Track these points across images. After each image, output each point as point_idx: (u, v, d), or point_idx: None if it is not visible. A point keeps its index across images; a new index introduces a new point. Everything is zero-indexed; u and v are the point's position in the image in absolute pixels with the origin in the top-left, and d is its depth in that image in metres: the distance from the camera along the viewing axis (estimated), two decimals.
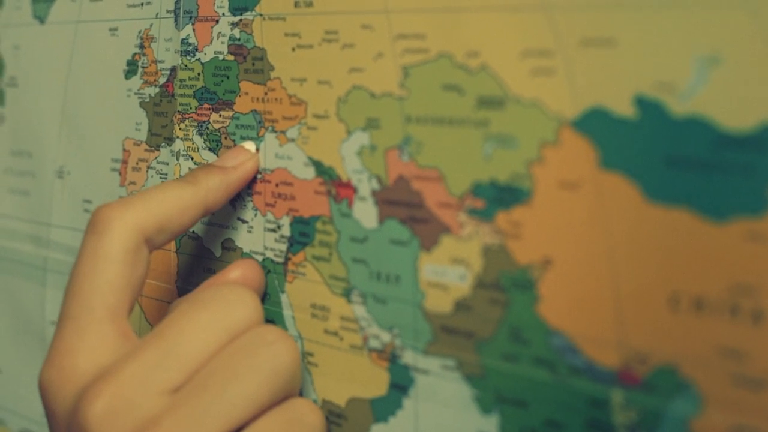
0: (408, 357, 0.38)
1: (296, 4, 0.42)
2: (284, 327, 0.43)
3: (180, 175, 0.48)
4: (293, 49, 0.42)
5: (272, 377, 0.37)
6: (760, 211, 0.29)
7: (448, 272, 0.37)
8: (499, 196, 0.35)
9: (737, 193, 0.29)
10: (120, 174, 0.53)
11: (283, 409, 0.38)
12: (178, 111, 0.48)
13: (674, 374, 0.31)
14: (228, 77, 0.45)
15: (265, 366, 0.37)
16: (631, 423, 0.32)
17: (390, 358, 0.39)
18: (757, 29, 0.29)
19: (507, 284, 0.35)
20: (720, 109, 0.30)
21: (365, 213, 0.40)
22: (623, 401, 0.32)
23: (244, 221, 0.45)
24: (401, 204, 0.38)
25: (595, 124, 0.32)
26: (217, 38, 0.46)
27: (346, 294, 0.40)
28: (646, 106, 0.31)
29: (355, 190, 0.40)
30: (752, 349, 0.29)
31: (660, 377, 0.31)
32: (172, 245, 0.49)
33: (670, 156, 0.31)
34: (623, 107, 0.32)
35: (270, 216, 0.44)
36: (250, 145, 0.44)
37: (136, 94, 0.52)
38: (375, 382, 0.40)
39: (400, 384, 0.39)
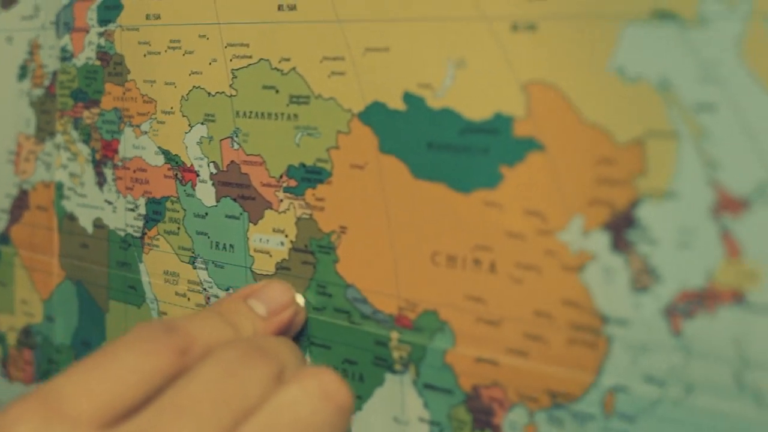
0: None
1: (147, 17, 0.47)
2: (143, 292, 0.48)
3: (61, 165, 0.53)
4: (145, 55, 0.47)
5: None
6: (494, 183, 0.34)
7: (270, 240, 0.42)
8: (307, 177, 0.40)
9: (478, 170, 0.35)
10: (14, 165, 0.57)
11: None
12: (59, 109, 0.53)
13: (435, 317, 0.37)
14: (96, 79, 0.50)
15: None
16: (405, 357, 0.38)
17: None
18: (491, 37, 0.34)
19: (315, 248, 0.40)
20: (465, 103, 0.35)
21: (205, 193, 0.45)
22: (399, 340, 0.38)
23: (109, 203, 0.50)
24: (233, 185, 0.43)
25: (375, 116, 0.38)
26: (88, 46, 0.51)
27: (192, 261, 0.46)
28: (412, 101, 0.37)
29: (197, 174, 0.45)
30: (489, 295, 0.35)
31: (425, 320, 0.37)
32: (55, 224, 0.54)
33: (430, 141, 0.36)
34: (396, 102, 0.37)
35: (129, 198, 0.49)
36: (299, 298, 0.41)
37: (27, 94, 0.56)
38: None
39: None
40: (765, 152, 0.28)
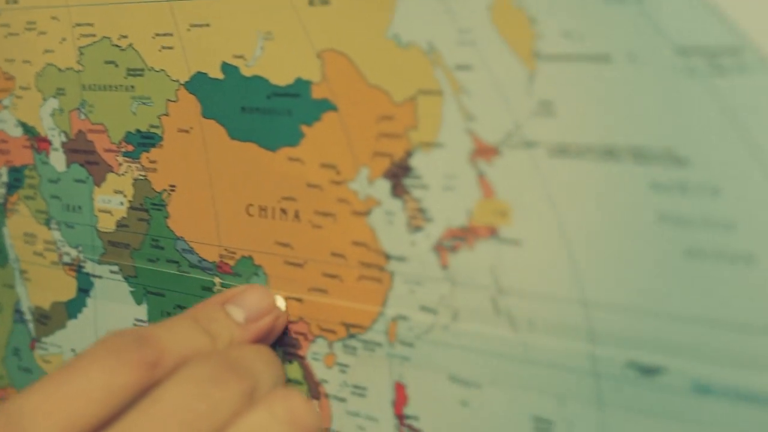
0: (89, 267, 0.47)
1: (7, 2, 0.49)
2: (7, 253, 0.51)
3: None
4: (6, 37, 0.50)
5: None
6: (296, 141, 0.38)
7: (112, 200, 0.45)
8: (142, 142, 0.43)
9: (282, 130, 0.38)
10: None
11: None
12: None
13: (251, 262, 0.40)
14: None
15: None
16: None
17: (77, 269, 0.47)
18: (293, 12, 0.37)
19: (149, 206, 0.43)
20: (272, 70, 0.38)
21: (58, 160, 0.48)
22: (221, 285, 0.41)
23: None
24: (81, 152, 0.46)
25: (199, 85, 0.41)
26: None
27: (47, 223, 0.49)
28: (229, 70, 0.40)
29: (50, 143, 0.48)
30: (295, 240, 0.38)
31: (242, 265, 0.40)
32: None
33: (243, 106, 0.39)
34: (215, 72, 0.40)
35: None
36: (280, 301, 0.39)
37: None
38: (68, 289, 0.48)
39: (84, 288, 0.47)
40: (511, 105, 0.32)
